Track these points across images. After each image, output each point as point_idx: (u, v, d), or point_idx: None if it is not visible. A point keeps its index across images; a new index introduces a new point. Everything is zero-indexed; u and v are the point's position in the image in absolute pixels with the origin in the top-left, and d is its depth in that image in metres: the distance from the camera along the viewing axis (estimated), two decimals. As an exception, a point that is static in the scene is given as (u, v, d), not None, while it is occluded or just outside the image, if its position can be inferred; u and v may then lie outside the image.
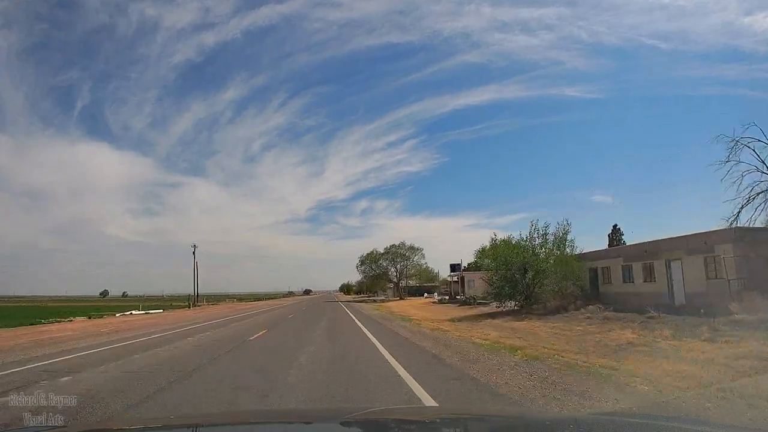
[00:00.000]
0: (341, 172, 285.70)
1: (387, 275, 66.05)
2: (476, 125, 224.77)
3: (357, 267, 67.76)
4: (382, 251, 65.79)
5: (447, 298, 42.64)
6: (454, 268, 45.03)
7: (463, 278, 44.21)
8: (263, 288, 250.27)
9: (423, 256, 65.52)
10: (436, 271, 69.64)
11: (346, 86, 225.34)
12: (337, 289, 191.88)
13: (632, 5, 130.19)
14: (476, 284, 41.84)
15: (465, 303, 35.09)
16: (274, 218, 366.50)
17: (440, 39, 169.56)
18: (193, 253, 67.52)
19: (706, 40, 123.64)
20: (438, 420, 2.48)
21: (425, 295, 64.07)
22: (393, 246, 65.30)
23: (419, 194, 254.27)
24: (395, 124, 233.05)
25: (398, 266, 64.99)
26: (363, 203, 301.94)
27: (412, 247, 65.00)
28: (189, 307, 47.86)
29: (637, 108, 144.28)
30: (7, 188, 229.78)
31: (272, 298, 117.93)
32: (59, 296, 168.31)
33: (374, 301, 59.93)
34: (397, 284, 66.49)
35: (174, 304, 62.35)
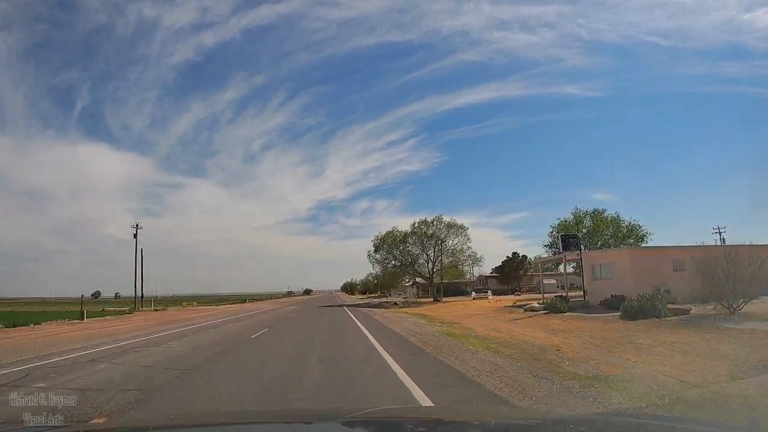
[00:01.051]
0: (341, 172, 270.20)
1: (414, 266, 45.12)
2: (476, 124, 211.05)
3: (369, 255, 46.64)
4: (409, 229, 44.71)
5: (551, 298, 22.15)
6: (566, 242, 24.30)
7: (579, 262, 23.77)
8: (264, 288, 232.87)
9: (468, 238, 44.55)
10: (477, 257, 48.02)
11: (345, 85, 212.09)
12: (339, 288, 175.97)
13: (632, 2, 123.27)
14: (616, 272, 21.44)
15: (646, 314, 14.73)
16: (274, 218, 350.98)
17: (440, 37, 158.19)
18: (135, 235, 47.57)
19: (707, 37, 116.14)
20: (438, 420, 2.45)
21: (473, 295, 43.24)
22: (422, 223, 44.55)
23: (419, 194, 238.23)
24: (395, 123, 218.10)
25: (431, 252, 44.14)
26: (363, 203, 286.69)
27: (452, 225, 44.14)
28: (82, 318, 27.77)
29: (637, 106, 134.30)
30: (7, 188, 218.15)
31: (270, 298, 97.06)
32: (47, 298, 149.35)
33: (395, 304, 39.37)
34: (430, 279, 45.62)
35: (107, 309, 41.67)
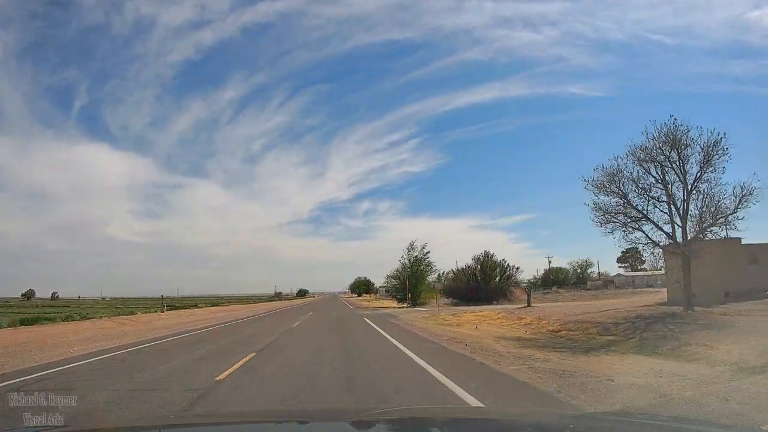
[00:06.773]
0: (343, 173, 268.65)
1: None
2: (479, 124, 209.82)
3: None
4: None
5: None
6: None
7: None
8: (268, 290, 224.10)
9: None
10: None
11: (346, 84, 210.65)
12: (346, 289, 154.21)
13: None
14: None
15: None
16: (276, 220, 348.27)
17: (441, 35, 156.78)
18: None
19: (713, 35, 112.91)
20: (449, 419, 2.40)
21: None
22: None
23: (422, 195, 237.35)
24: (397, 124, 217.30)
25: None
26: (366, 204, 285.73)
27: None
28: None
29: (643, 106, 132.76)
30: (7, 189, 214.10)
31: (219, 305, 63.94)
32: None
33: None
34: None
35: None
